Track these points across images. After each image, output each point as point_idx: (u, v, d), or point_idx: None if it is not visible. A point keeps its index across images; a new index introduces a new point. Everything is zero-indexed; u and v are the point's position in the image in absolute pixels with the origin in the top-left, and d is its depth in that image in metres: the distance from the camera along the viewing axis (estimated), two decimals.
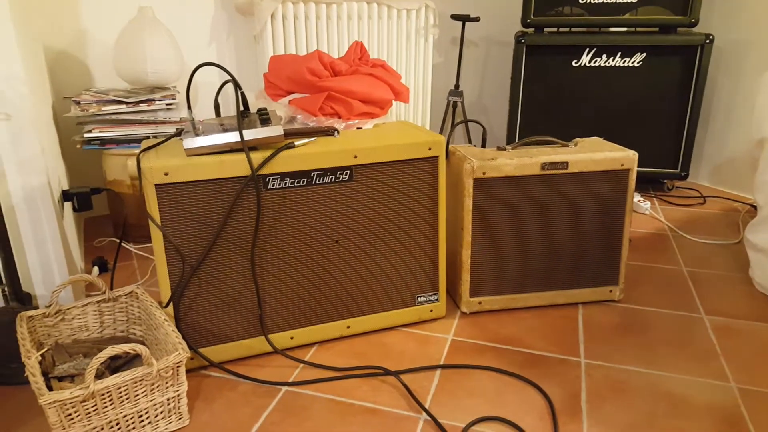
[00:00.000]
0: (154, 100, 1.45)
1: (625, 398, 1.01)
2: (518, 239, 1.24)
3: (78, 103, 1.41)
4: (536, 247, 1.25)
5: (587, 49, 1.95)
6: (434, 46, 2.30)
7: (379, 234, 1.13)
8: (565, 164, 1.20)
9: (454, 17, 2.06)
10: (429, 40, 2.06)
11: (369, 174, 1.09)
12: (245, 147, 0.96)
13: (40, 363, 0.93)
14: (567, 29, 2.05)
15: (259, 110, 1.04)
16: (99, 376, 0.94)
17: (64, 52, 1.67)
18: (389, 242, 1.14)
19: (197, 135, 0.96)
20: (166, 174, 0.94)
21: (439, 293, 1.22)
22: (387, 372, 1.06)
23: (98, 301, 1.05)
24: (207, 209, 0.99)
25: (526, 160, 1.18)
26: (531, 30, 2.01)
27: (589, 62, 1.97)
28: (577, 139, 1.34)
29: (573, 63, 1.97)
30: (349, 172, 1.07)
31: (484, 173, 1.17)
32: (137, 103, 1.44)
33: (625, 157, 1.22)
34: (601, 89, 1.99)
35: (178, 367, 0.87)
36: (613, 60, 1.96)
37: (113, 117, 1.43)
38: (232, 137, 0.97)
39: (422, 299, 1.21)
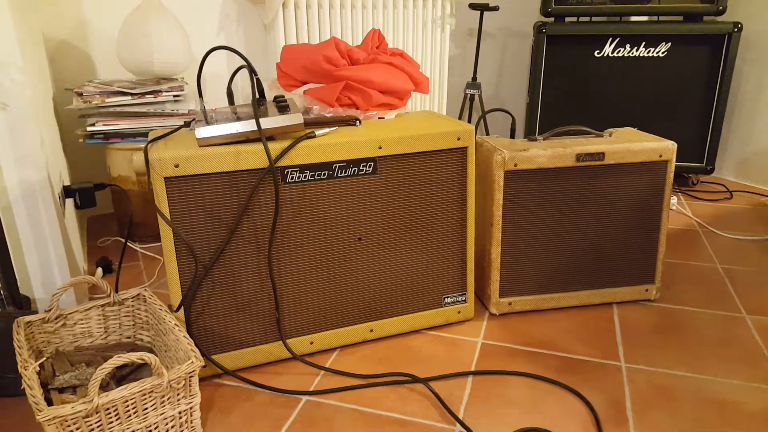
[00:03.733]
0: (160, 91, 1.38)
1: (673, 405, 0.93)
2: (550, 236, 1.16)
3: (80, 94, 1.33)
4: (569, 243, 1.17)
5: (610, 39, 1.87)
6: (450, 37, 2.21)
7: (404, 230, 1.05)
8: (601, 155, 1.12)
9: (472, 6, 1.98)
10: (446, 31, 1.98)
11: (394, 166, 1.01)
12: (262, 136, 0.89)
13: (38, 373, 0.86)
14: (588, 18, 1.97)
15: (276, 98, 0.96)
16: (104, 386, 0.87)
17: (65, 43, 1.59)
18: (415, 239, 1.06)
19: (209, 124, 0.89)
20: (176, 166, 0.86)
21: (467, 294, 1.14)
22: (415, 379, 0.98)
23: (102, 305, 0.97)
24: (220, 204, 0.91)
25: (561, 151, 1.10)
26: (551, 20, 1.93)
27: (612, 52, 1.88)
28: (611, 129, 1.26)
29: (595, 53, 1.89)
30: (372, 163, 0.99)
31: (515, 165, 1.09)
32: (143, 94, 1.36)
33: (664, 147, 1.14)
34: (624, 80, 1.90)
35: (190, 377, 0.79)
36: (637, 50, 1.88)
37: (117, 109, 1.35)
38: (248, 126, 0.89)
39: (449, 300, 1.13)
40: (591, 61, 1.89)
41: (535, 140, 1.16)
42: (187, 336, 0.85)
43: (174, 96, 1.39)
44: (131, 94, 1.35)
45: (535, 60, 1.89)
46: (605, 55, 1.89)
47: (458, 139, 1.03)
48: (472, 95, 2.02)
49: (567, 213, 1.15)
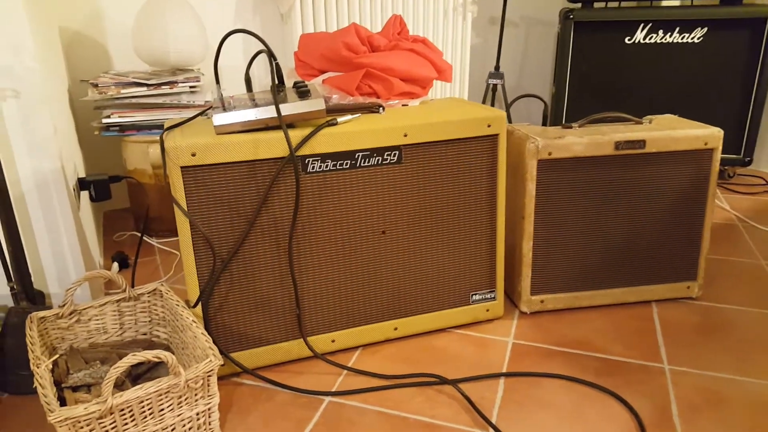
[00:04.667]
0: (176, 82, 1.34)
1: (722, 410, 0.86)
2: (585, 229, 1.09)
3: (96, 85, 1.30)
4: (606, 238, 1.10)
5: (642, 25, 1.79)
6: (471, 25, 2.15)
7: (430, 223, 0.99)
8: (641, 143, 1.05)
9: None
10: (467, 19, 1.91)
11: (420, 155, 0.95)
12: (282, 123, 0.84)
13: (52, 371, 0.82)
14: (617, 4, 1.88)
15: (296, 83, 0.91)
16: (118, 385, 0.83)
17: (80, 34, 1.56)
18: (441, 232, 1.01)
19: (227, 111, 0.84)
20: (193, 155, 0.82)
21: (496, 291, 1.08)
22: (444, 380, 0.93)
23: (118, 300, 0.94)
24: (239, 195, 0.87)
25: (599, 138, 1.03)
26: (578, 5, 1.85)
27: (644, 39, 1.80)
28: (650, 116, 1.19)
29: (626, 40, 1.80)
30: (397, 152, 0.94)
31: (549, 153, 1.03)
32: (159, 85, 1.32)
33: (709, 134, 1.07)
34: (657, 68, 1.82)
35: (209, 376, 0.75)
36: (670, 36, 1.79)
37: (133, 101, 1.32)
38: (267, 112, 0.84)
39: (478, 297, 1.07)
40: (621, 48, 1.81)
41: (570, 127, 1.09)
42: (205, 333, 0.81)
43: (190, 87, 1.35)
44: (147, 85, 1.31)
45: (562, 47, 1.82)
46: (636, 41, 1.80)
47: (488, 126, 0.97)
48: (495, 85, 1.95)
49: (604, 205, 1.08)
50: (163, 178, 0.81)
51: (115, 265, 1.30)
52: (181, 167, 0.82)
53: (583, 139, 1.03)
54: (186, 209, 0.84)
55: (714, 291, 1.21)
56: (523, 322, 1.11)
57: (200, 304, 0.89)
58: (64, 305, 0.89)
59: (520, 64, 2.27)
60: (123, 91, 1.30)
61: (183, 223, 0.85)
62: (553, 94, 1.89)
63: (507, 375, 0.95)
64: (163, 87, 1.33)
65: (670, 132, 1.06)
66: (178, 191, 0.83)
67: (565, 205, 1.07)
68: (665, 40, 1.79)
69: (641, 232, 1.11)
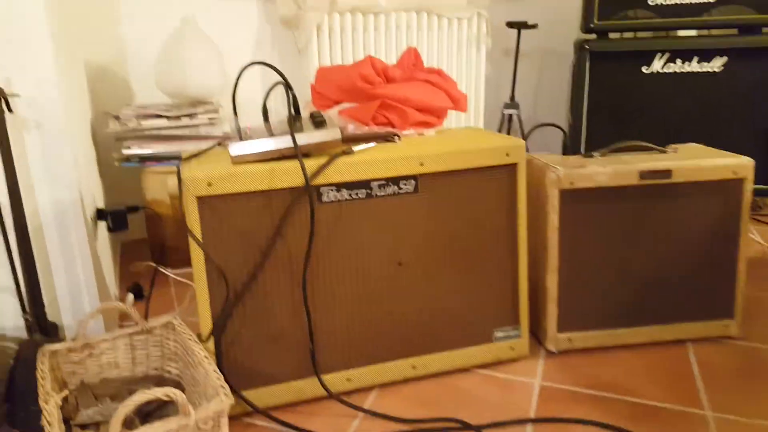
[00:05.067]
0: (196, 114, 1.36)
1: None
2: (613, 262, 1.04)
3: (117, 117, 1.32)
4: (635, 271, 1.05)
5: (659, 54, 1.77)
6: (486, 57, 2.16)
7: (448, 255, 0.96)
8: (667, 173, 1.02)
9: (510, 24, 1.92)
10: (481, 50, 1.92)
11: (437, 184, 0.93)
12: (298, 152, 0.83)
13: (61, 407, 0.80)
14: (633, 34, 1.88)
15: (312, 114, 0.91)
16: (127, 423, 0.80)
17: (104, 68, 1.61)
18: (461, 265, 0.98)
19: (244, 140, 0.83)
20: (209, 185, 0.81)
21: (520, 328, 1.04)
22: (467, 426, 0.88)
23: (130, 334, 0.92)
24: (254, 225, 0.85)
25: (622, 168, 1.00)
26: (593, 36, 1.85)
27: (662, 68, 1.78)
28: (674, 144, 1.16)
29: (643, 69, 1.79)
30: (414, 182, 0.92)
31: (571, 183, 1.00)
32: (178, 117, 1.34)
33: (739, 164, 1.03)
34: (676, 98, 1.79)
35: (220, 416, 0.72)
36: (689, 65, 1.77)
37: (153, 132, 1.34)
38: (284, 142, 0.84)
39: (501, 335, 1.03)
40: (639, 77, 1.79)
41: (592, 157, 1.07)
42: (217, 370, 0.78)
43: (209, 119, 1.37)
44: (167, 117, 1.33)
45: (578, 78, 1.81)
46: (654, 71, 1.78)
47: (507, 155, 0.95)
48: (510, 115, 1.94)
49: (630, 237, 1.04)
50: (179, 207, 0.80)
51: (130, 296, 1.28)
52: (197, 197, 0.81)
53: (607, 168, 1.00)
54: (200, 240, 0.83)
55: (754, 329, 1.14)
56: (550, 362, 1.05)
57: (212, 338, 0.87)
58: (76, 338, 0.87)
59: (534, 94, 2.26)
60: (144, 123, 1.32)
61: (197, 254, 0.83)
62: (569, 124, 1.87)
63: (534, 421, 0.89)
64: (182, 119, 1.34)
65: (698, 161, 1.03)
66: (193, 221, 0.82)
67: (590, 237, 1.03)
68: (684, 69, 1.77)
69: (671, 266, 1.06)
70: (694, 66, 1.75)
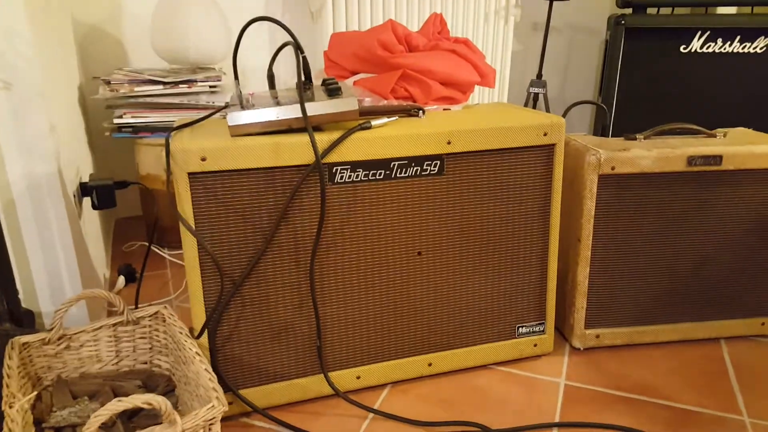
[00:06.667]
0: (196, 81, 1.24)
1: None
2: (651, 255, 0.94)
3: (108, 83, 1.21)
4: (673, 265, 0.95)
5: (699, 33, 1.64)
6: (513, 30, 2.02)
7: (473, 244, 0.86)
8: (718, 158, 0.91)
9: None
10: (509, 23, 1.79)
11: (465, 166, 0.82)
12: (308, 124, 0.72)
13: (33, 407, 0.71)
14: (670, 10, 1.74)
15: (325, 80, 0.80)
16: (109, 426, 0.71)
17: (97, 28, 1.48)
18: (486, 255, 0.87)
19: (245, 109, 0.72)
20: (203, 159, 0.70)
21: (546, 323, 0.94)
22: (486, 430, 0.79)
23: (114, 324, 0.82)
24: (255, 207, 0.75)
25: (669, 152, 0.89)
26: (628, 11, 1.71)
27: (701, 48, 1.65)
28: (722, 129, 1.04)
29: (681, 48, 1.66)
30: (439, 162, 0.81)
31: (612, 168, 0.89)
32: (176, 83, 1.22)
33: None
34: (715, 80, 1.66)
35: (210, 425, 0.62)
36: (730, 45, 1.63)
37: (148, 100, 1.22)
38: (291, 112, 0.73)
39: (525, 330, 0.93)
40: (675, 57, 1.66)
41: (634, 139, 0.95)
42: (210, 370, 0.69)
43: (210, 87, 1.25)
44: (163, 83, 1.21)
45: (611, 56, 1.68)
46: (693, 50, 1.65)
47: (544, 135, 0.84)
48: (536, 94, 1.81)
49: (672, 228, 0.94)
50: (167, 183, 0.69)
51: (121, 279, 1.19)
52: (189, 173, 0.70)
53: (652, 152, 0.89)
54: (193, 223, 0.72)
55: None
56: (575, 360, 0.96)
57: (207, 333, 0.77)
58: (52, 329, 0.78)
59: (562, 73, 2.13)
60: (137, 89, 1.20)
61: (188, 239, 0.73)
62: (598, 106, 1.75)
63: (560, 425, 0.80)
64: (180, 86, 1.23)
65: (751, 147, 0.91)
66: (185, 202, 0.71)
67: (628, 227, 0.93)
68: (725, 49, 1.64)
69: (713, 260, 0.96)
70: (735, 46, 1.62)
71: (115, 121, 1.22)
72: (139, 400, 0.58)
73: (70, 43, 1.26)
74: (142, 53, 1.53)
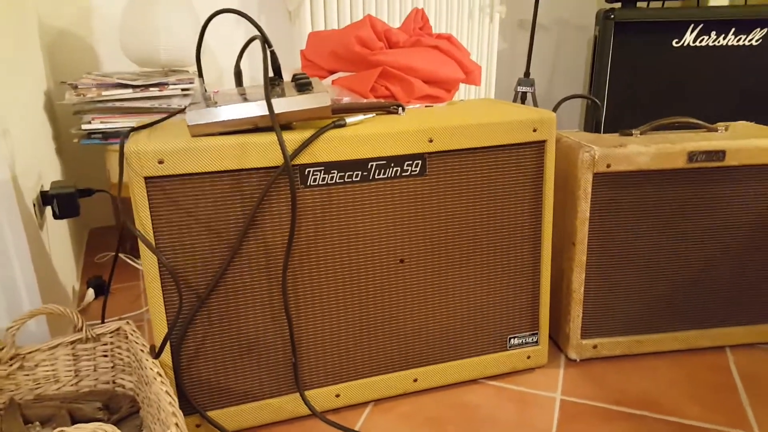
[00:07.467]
0: (167, 84, 1.18)
1: None
2: (650, 259, 0.89)
3: (75, 87, 1.14)
4: (675, 269, 0.90)
5: (692, 26, 1.60)
6: (499, 28, 1.97)
7: (459, 250, 0.80)
8: (721, 154, 0.85)
9: None
10: (495, 20, 1.74)
11: (448, 165, 0.77)
12: (275, 122, 0.66)
13: None
14: (660, 4, 1.69)
15: (295, 76, 0.74)
16: None
17: (65, 31, 1.42)
18: (473, 262, 0.82)
19: (208, 107, 0.67)
20: (160, 162, 0.64)
21: (539, 333, 0.88)
22: None
23: (72, 342, 0.76)
24: (220, 214, 0.69)
25: (668, 148, 0.84)
26: (617, 5, 1.67)
27: (695, 41, 1.60)
28: (723, 123, 0.99)
29: (673, 42, 1.61)
30: (420, 162, 0.75)
31: (608, 166, 0.83)
32: (146, 87, 1.16)
33: None
34: (709, 74, 1.62)
35: None
36: (724, 38, 1.59)
37: (117, 104, 1.16)
38: (257, 109, 0.67)
39: (517, 341, 0.87)
40: (668, 51, 1.62)
41: (630, 134, 0.90)
42: (171, 392, 0.62)
43: (183, 89, 1.19)
44: (133, 87, 1.16)
45: (601, 51, 1.63)
46: (686, 44, 1.61)
47: (534, 131, 0.78)
48: (524, 93, 1.76)
49: (672, 229, 0.88)
50: (118, 187, 0.63)
51: (90, 292, 1.12)
52: (146, 178, 0.64)
53: (650, 148, 0.84)
54: (151, 232, 0.66)
55: None
56: (572, 373, 0.90)
57: (170, 351, 0.71)
58: (2, 348, 0.71)
59: (551, 71, 2.08)
60: (105, 93, 1.14)
61: (147, 250, 0.67)
62: (589, 104, 1.70)
63: None
64: (151, 89, 1.17)
65: (756, 141, 0.86)
66: (141, 209, 0.65)
67: (626, 229, 0.87)
68: (719, 42, 1.60)
69: (717, 262, 0.90)
70: (730, 39, 1.58)
71: (84, 127, 1.16)
72: (84, 429, 0.51)
73: (34, 46, 1.20)
74: (115, 58, 1.47)
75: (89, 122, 1.16)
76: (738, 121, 1.02)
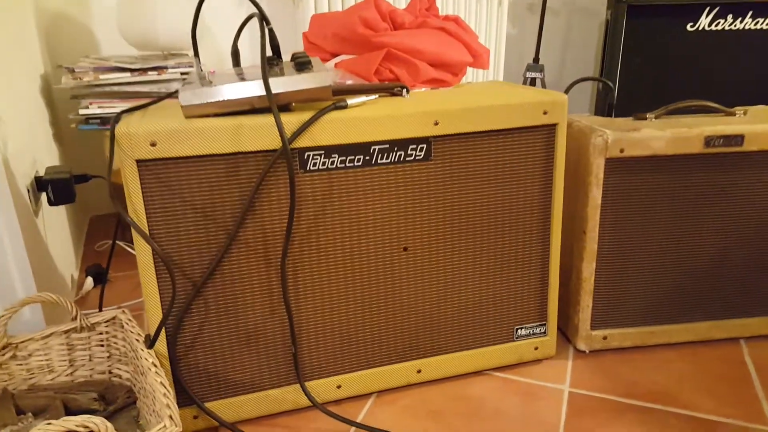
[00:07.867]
0: (166, 67, 1.15)
1: None
2: (664, 247, 0.85)
3: (71, 71, 1.12)
4: (689, 258, 0.86)
5: (707, 9, 1.54)
6: (508, 12, 1.92)
7: (465, 238, 0.77)
8: (739, 139, 0.81)
9: None
10: (503, 4, 1.69)
11: (455, 150, 0.73)
12: (273, 103, 0.63)
13: None
14: None
15: (294, 55, 0.71)
16: None
17: (62, 14, 1.39)
18: (479, 249, 0.79)
19: (203, 86, 0.64)
20: (153, 144, 0.62)
21: (547, 324, 0.85)
22: None
23: (66, 331, 0.74)
24: (216, 200, 0.66)
25: (684, 132, 0.80)
26: None
27: (710, 25, 1.55)
28: (742, 107, 0.95)
29: (688, 26, 1.56)
30: (425, 146, 0.72)
31: (621, 150, 0.80)
32: (144, 70, 1.14)
33: None
34: (725, 59, 1.56)
35: None
36: (741, 21, 1.54)
37: (115, 89, 1.13)
38: (254, 89, 0.64)
39: (524, 332, 0.85)
40: (683, 35, 1.57)
41: (645, 119, 0.86)
42: (165, 383, 0.60)
43: (182, 73, 1.16)
44: (131, 71, 1.13)
45: (612, 36, 1.58)
46: (701, 28, 1.56)
47: (544, 113, 0.75)
48: (534, 79, 1.72)
49: (687, 217, 0.85)
50: (108, 171, 0.61)
51: (89, 280, 1.11)
52: (137, 161, 0.62)
53: (665, 132, 0.80)
54: (144, 218, 0.64)
55: None
56: (580, 364, 0.87)
57: (166, 341, 0.69)
58: None
59: (560, 57, 2.03)
60: (102, 77, 1.12)
61: (140, 241, 0.64)
62: (599, 89, 1.66)
63: None
64: (150, 73, 1.14)
65: None
66: (134, 194, 0.63)
67: (639, 217, 0.84)
68: (735, 26, 1.54)
69: (733, 252, 0.87)
70: (747, 22, 1.53)
71: (81, 111, 1.14)
72: (73, 422, 0.49)
73: (28, 27, 1.18)
74: (113, 41, 1.44)
75: (87, 107, 1.14)
76: (757, 105, 0.98)
